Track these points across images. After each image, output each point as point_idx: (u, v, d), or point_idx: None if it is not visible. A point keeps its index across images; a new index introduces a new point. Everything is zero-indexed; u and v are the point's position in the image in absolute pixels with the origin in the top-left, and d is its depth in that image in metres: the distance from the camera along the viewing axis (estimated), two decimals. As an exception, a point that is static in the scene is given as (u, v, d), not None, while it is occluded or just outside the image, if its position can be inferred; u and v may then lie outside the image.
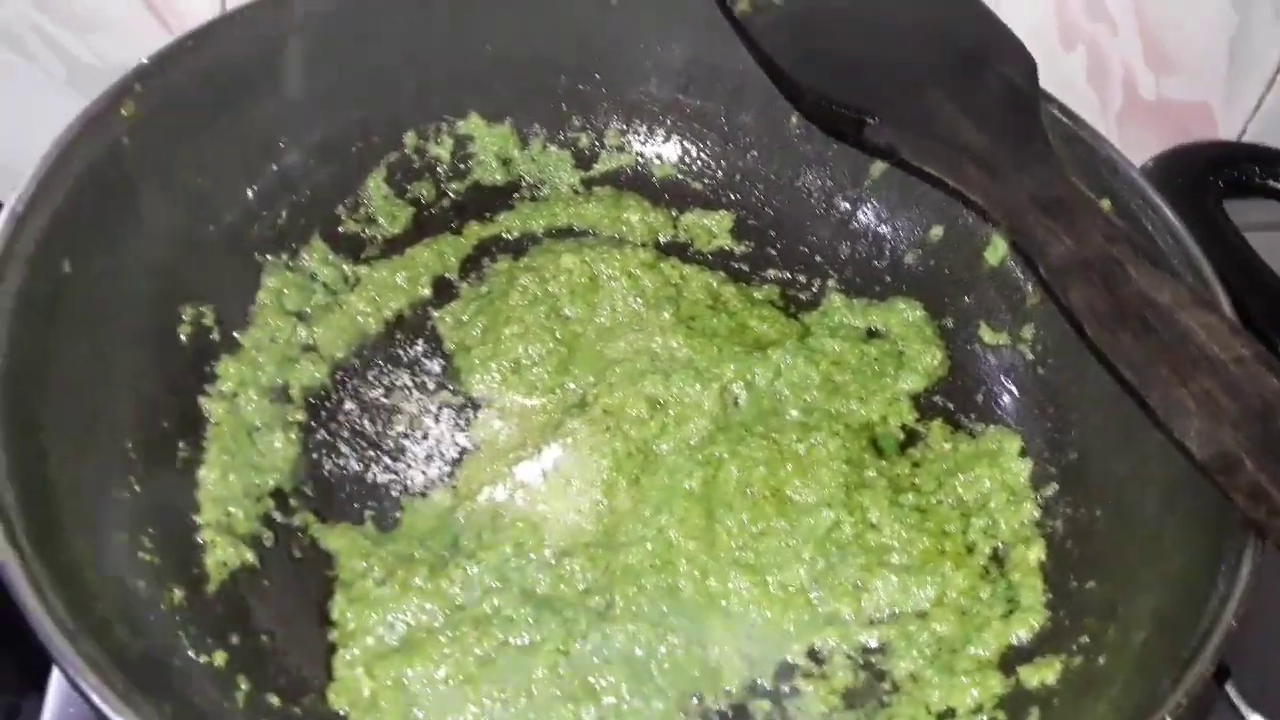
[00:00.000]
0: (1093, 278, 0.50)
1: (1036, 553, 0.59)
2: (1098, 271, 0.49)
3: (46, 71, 0.81)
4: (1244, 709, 0.58)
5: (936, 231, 0.72)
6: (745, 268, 0.74)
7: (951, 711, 0.53)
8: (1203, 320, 0.46)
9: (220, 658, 0.50)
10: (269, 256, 0.65)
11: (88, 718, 0.50)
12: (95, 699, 0.38)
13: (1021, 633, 0.55)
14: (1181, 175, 0.67)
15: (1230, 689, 0.58)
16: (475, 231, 0.72)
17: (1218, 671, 0.56)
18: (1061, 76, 0.89)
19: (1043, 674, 0.52)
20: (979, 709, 0.52)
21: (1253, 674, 0.59)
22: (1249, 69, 0.90)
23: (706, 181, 0.77)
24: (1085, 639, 0.53)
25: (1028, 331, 0.67)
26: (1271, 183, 0.66)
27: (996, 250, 0.69)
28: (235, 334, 0.62)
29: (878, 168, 0.73)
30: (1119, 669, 0.49)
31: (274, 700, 0.50)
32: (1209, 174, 0.66)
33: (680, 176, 0.77)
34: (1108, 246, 0.50)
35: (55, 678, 0.56)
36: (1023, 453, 0.63)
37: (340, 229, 0.69)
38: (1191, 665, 0.44)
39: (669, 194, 0.76)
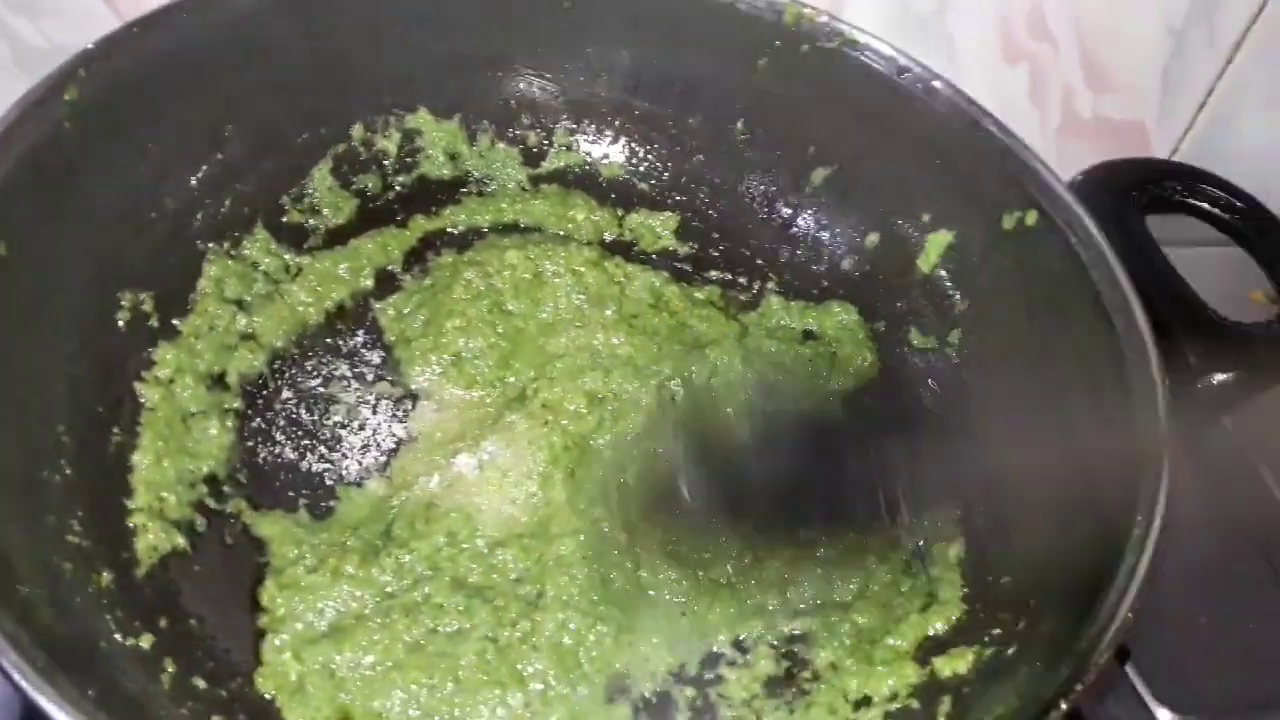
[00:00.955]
0: None
1: (956, 550, 0.61)
2: None
3: (-4, 56, 0.81)
4: (1141, 688, 0.60)
5: (873, 239, 0.74)
6: (688, 268, 0.75)
7: (868, 699, 0.55)
8: None
9: (147, 640, 0.50)
10: (211, 245, 0.65)
11: (11, 698, 0.51)
12: (15, 676, 0.39)
13: (938, 625, 0.57)
14: (1107, 190, 0.69)
15: (1130, 669, 0.61)
16: (420, 225, 0.73)
17: (1119, 653, 0.59)
18: (1004, 92, 0.92)
19: (955, 664, 0.54)
20: (894, 697, 0.54)
21: (1150, 655, 0.62)
22: (1182, 91, 0.93)
23: (653, 183, 0.78)
24: (997, 631, 0.55)
25: (954, 336, 0.69)
26: (1190, 200, 0.69)
27: (928, 258, 0.71)
28: (174, 321, 0.62)
29: (818, 175, 0.75)
30: (1027, 659, 0.51)
31: (200, 683, 0.51)
32: (1132, 189, 0.68)
33: (627, 177, 0.78)
34: None
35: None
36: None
37: (284, 219, 0.69)
38: (1091, 654, 0.46)
39: (616, 194, 0.78)
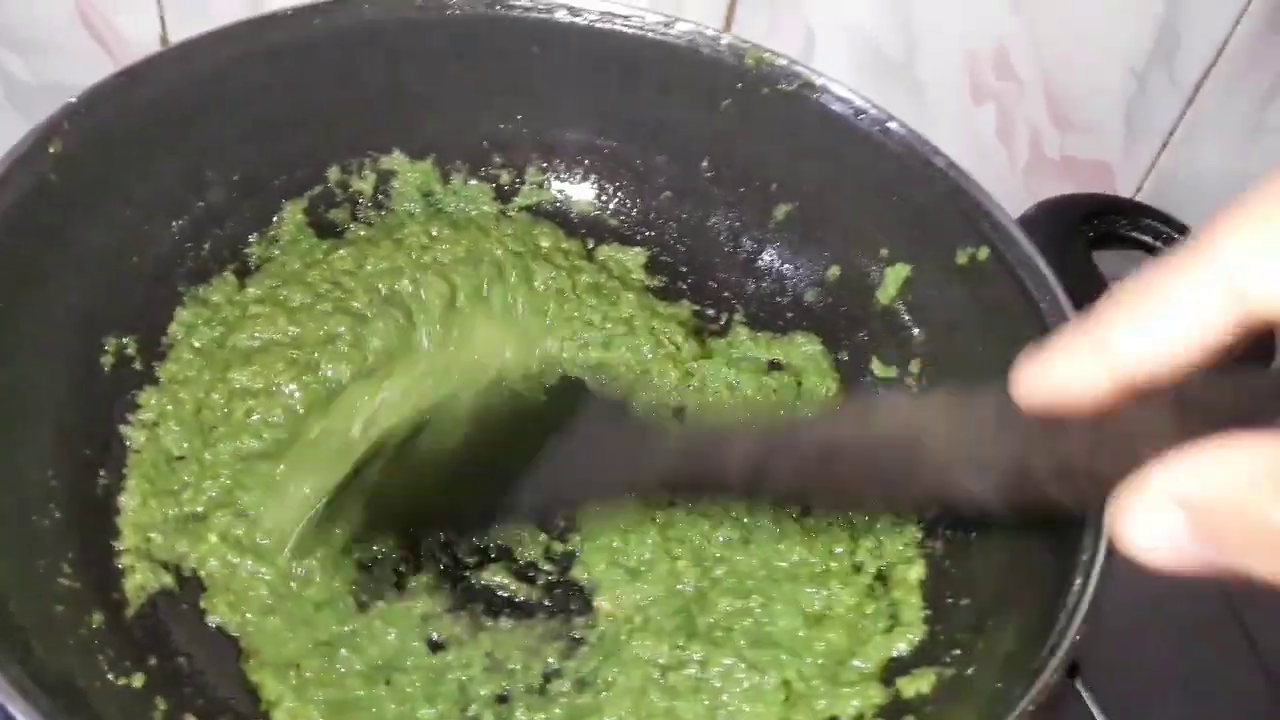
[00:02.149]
0: None
1: (917, 572, 0.63)
2: None
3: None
4: (1090, 702, 0.63)
5: (834, 271, 0.77)
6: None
7: (834, 719, 0.57)
8: None
9: (139, 679, 0.52)
10: (188, 289, 0.67)
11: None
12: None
13: (901, 646, 0.60)
14: (1057, 224, 0.72)
15: (1079, 684, 0.64)
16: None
17: (1070, 669, 0.62)
18: (972, 132, 0.95)
19: (919, 684, 0.57)
20: (859, 717, 0.57)
21: (1099, 671, 0.65)
22: (1145, 131, 0.96)
23: (622, 219, 0.81)
24: (957, 651, 0.57)
25: (914, 366, 0.72)
26: (1135, 234, 0.72)
27: (887, 291, 0.74)
28: (154, 365, 0.64)
29: (781, 210, 0.78)
30: (985, 678, 0.54)
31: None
32: (1081, 224, 0.72)
33: (597, 213, 0.81)
34: None
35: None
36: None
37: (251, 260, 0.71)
38: (1042, 672, 0.48)
39: (586, 229, 0.80)
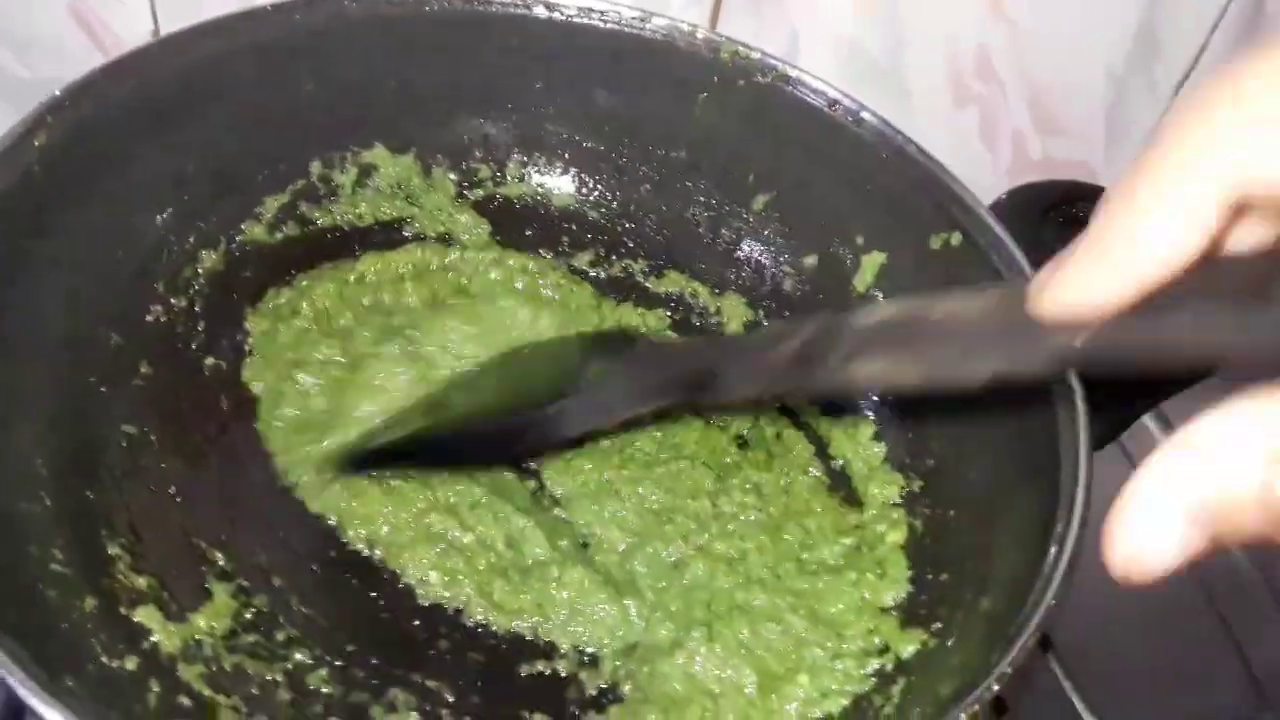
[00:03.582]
0: None
1: (896, 536, 0.65)
2: None
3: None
4: (1060, 675, 0.65)
5: (811, 260, 0.78)
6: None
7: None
8: None
9: (132, 662, 0.52)
10: (161, 284, 0.67)
11: None
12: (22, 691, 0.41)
13: (889, 597, 0.62)
14: (1028, 209, 0.74)
15: (1051, 657, 0.65)
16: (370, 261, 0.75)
17: (1043, 642, 0.63)
18: (955, 133, 0.96)
19: (909, 643, 0.59)
20: (855, 679, 0.59)
21: (1070, 645, 0.66)
22: (1124, 133, 0.97)
23: (603, 211, 0.82)
24: (938, 624, 0.59)
25: (891, 351, 0.74)
26: (1101, 218, 0.74)
27: (864, 278, 0.75)
28: (139, 358, 0.64)
29: (759, 201, 0.79)
30: (965, 646, 0.55)
31: (185, 702, 0.53)
32: (1049, 210, 0.74)
33: (578, 206, 0.82)
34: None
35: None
36: (876, 436, 0.71)
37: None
38: (1019, 638, 0.50)
39: (567, 222, 0.81)
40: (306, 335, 0.69)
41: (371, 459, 0.62)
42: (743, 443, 0.71)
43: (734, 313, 0.79)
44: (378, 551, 0.62)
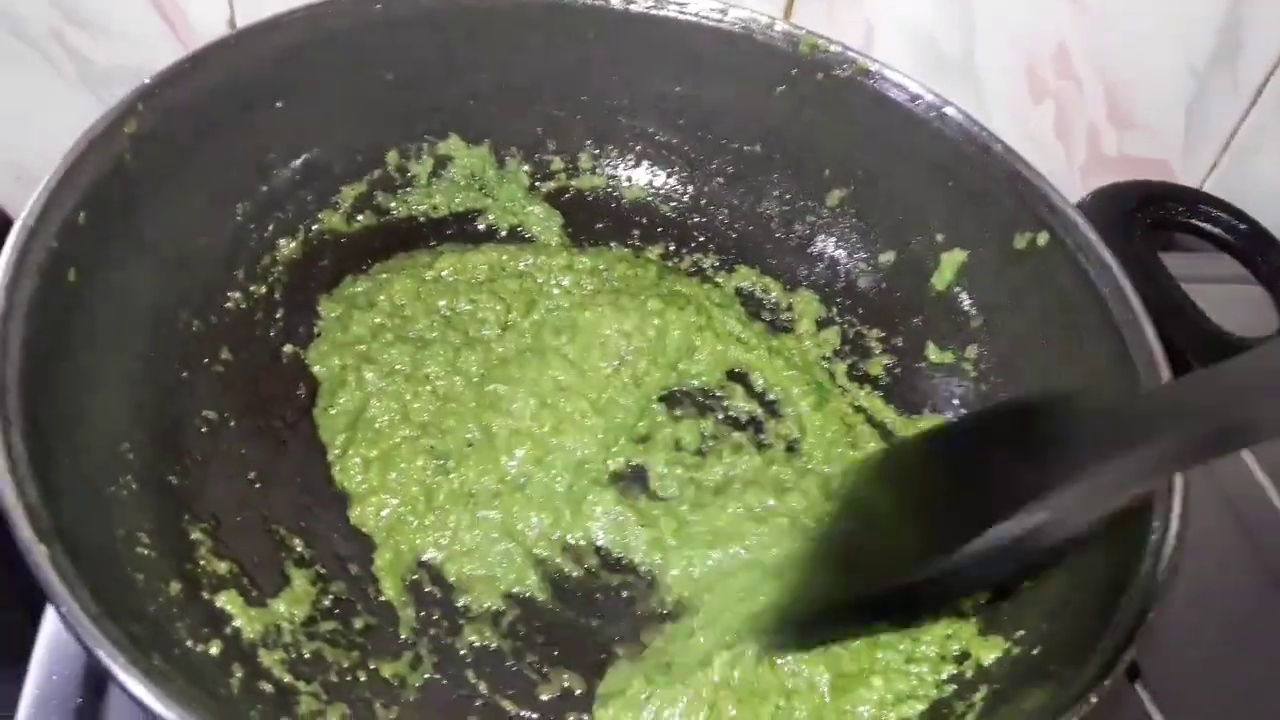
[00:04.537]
0: None
1: None
2: None
3: (58, 70, 0.84)
4: (1149, 704, 0.63)
5: (888, 257, 0.77)
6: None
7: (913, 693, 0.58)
8: None
9: (215, 647, 0.53)
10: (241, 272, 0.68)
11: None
12: (122, 676, 0.41)
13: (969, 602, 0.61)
14: (1114, 210, 0.72)
15: (1139, 687, 0.63)
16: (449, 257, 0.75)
17: (1130, 671, 0.61)
18: (1030, 129, 0.94)
19: (991, 650, 0.57)
20: (936, 684, 0.58)
21: (1159, 677, 0.65)
22: (1205, 131, 0.95)
23: (674, 205, 0.81)
24: (1022, 632, 0.58)
25: (971, 351, 0.72)
26: (1192, 220, 0.72)
27: (943, 276, 0.74)
28: (220, 345, 0.65)
29: (834, 196, 0.78)
30: (1053, 659, 0.54)
31: (267, 688, 0.53)
32: (1137, 210, 0.71)
33: (649, 199, 0.81)
34: None
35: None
36: None
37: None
38: (1116, 652, 0.48)
39: (638, 216, 0.81)
40: (381, 332, 0.69)
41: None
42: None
43: (806, 309, 0.78)
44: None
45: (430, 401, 0.66)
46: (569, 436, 0.66)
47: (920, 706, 0.57)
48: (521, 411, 0.66)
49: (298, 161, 0.71)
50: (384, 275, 0.71)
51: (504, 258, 0.74)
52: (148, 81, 0.61)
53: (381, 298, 0.70)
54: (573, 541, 0.63)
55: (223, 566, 0.57)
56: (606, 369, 0.69)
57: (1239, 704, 0.66)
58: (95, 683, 0.58)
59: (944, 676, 0.58)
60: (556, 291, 0.74)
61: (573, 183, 0.81)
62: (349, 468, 0.63)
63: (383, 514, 0.62)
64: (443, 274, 0.72)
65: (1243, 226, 0.72)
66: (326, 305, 0.70)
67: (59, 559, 0.44)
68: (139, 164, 0.60)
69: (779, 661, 0.57)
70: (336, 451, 0.64)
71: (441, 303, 0.71)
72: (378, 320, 0.69)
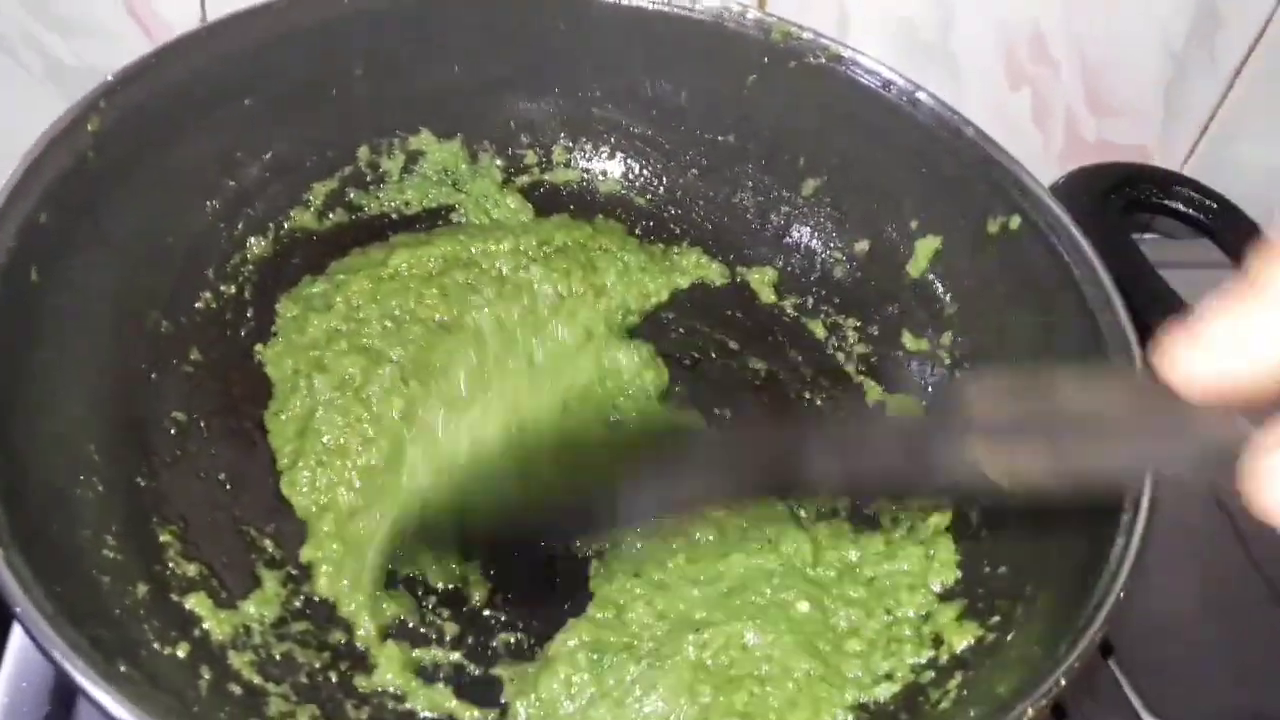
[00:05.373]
0: None
1: (938, 520, 0.64)
2: None
3: (27, 70, 0.83)
4: (1123, 681, 0.63)
5: (862, 245, 0.77)
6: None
7: (890, 674, 0.57)
8: None
9: (183, 649, 0.52)
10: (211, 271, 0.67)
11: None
12: (81, 681, 0.41)
13: (939, 583, 0.61)
14: (1087, 192, 0.72)
15: (1112, 662, 0.63)
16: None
17: (1103, 647, 0.61)
18: (1007, 116, 0.94)
19: (964, 636, 0.57)
20: (913, 669, 0.57)
21: (1131, 653, 0.65)
22: (1184, 115, 0.95)
23: (649, 197, 0.81)
24: (997, 618, 0.57)
25: (946, 338, 0.72)
26: (1165, 201, 0.72)
27: (918, 263, 0.73)
28: (189, 345, 0.65)
29: (809, 185, 0.78)
30: (1026, 640, 0.54)
31: (235, 690, 0.53)
32: (1111, 192, 0.71)
33: (624, 192, 0.81)
34: None
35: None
36: None
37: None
38: (1086, 631, 0.48)
39: (614, 207, 0.80)
40: (336, 338, 0.67)
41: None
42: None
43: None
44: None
45: (372, 424, 0.64)
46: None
47: (895, 688, 0.57)
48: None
49: (267, 158, 0.70)
50: (341, 276, 0.70)
51: (454, 248, 0.72)
52: (110, 78, 0.61)
53: (339, 299, 0.68)
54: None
55: (192, 568, 0.56)
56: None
57: (1213, 678, 0.66)
58: (64, 692, 0.57)
59: (921, 661, 0.57)
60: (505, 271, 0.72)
61: (546, 176, 0.80)
62: (297, 481, 0.61)
63: (334, 546, 0.59)
64: (399, 269, 0.71)
65: (1215, 206, 0.71)
66: (285, 305, 0.69)
67: (15, 562, 0.43)
68: (102, 162, 0.59)
69: (750, 643, 0.57)
70: (285, 461, 0.62)
71: (394, 303, 0.69)
72: (334, 324, 0.67)
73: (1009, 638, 0.56)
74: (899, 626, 0.59)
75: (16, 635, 0.59)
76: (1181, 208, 0.72)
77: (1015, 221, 0.67)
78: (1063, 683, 0.46)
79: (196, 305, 0.66)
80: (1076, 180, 0.73)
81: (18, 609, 0.41)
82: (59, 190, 0.56)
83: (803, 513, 0.64)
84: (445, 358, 0.66)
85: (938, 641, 0.58)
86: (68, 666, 0.41)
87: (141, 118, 0.61)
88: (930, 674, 0.57)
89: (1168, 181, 0.72)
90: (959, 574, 0.61)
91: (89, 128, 0.58)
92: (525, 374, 0.67)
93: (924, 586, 0.60)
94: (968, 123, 0.70)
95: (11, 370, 0.51)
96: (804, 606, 0.59)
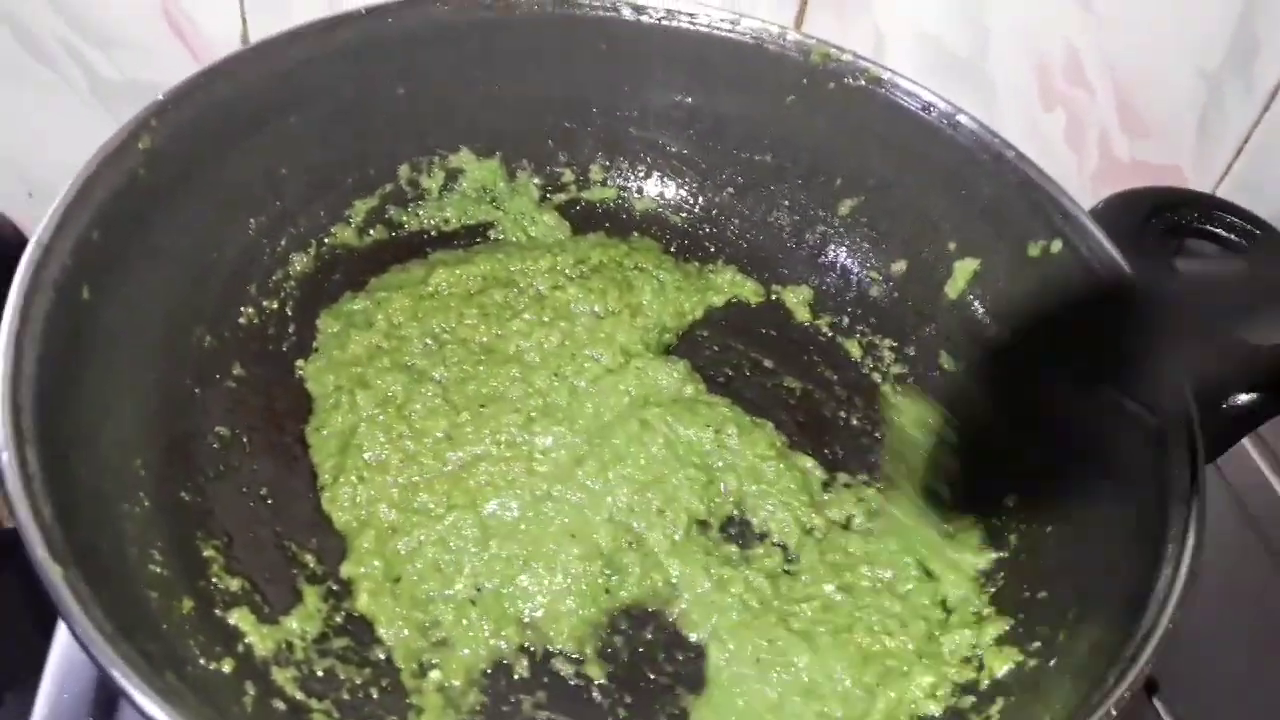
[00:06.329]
0: None
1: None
2: None
3: (71, 86, 0.84)
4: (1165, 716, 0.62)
5: (899, 266, 0.76)
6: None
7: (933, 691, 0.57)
8: None
9: (228, 665, 0.52)
10: (254, 287, 0.68)
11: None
12: (136, 696, 0.41)
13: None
14: (1127, 216, 0.72)
15: (1158, 702, 0.63)
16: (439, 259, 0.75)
17: (1148, 685, 0.61)
18: (1041, 137, 0.93)
19: (1004, 660, 0.57)
20: (953, 691, 0.57)
21: (1177, 691, 0.64)
22: (1218, 135, 0.93)
23: (684, 215, 0.81)
24: (1038, 644, 0.57)
25: (984, 360, 0.72)
26: (1206, 225, 0.71)
27: (956, 284, 0.73)
28: (233, 360, 0.65)
29: (845, 205, 0.78)
30: (1070, 669, 0.53)
31: (280, 706, 0.53)
32: (1151, 217, 0.71)
33: (659, 210, 0.81)
34: None
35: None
36: None
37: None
38: (1136, 661, 0.48)
39: (649, 225, 0.81)
40: (378, 356, 0.67)
41: None
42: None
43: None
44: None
45: (414, 440, 0.64)
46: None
47: (935, 710, 0.57)
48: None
49: (310, 175, 0.71)
50: (382, 293, 0.70)
51: (493, 267, 0.73)
52: (161, 97, 0.61)
53: (380, 317, 0.69)
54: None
55: (235, 584, 0.57)
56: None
57: (1255, 712, 0.65)
58: (106, 702, 0.58)
59: (963, 681, 0.57)
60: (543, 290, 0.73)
61: (583, 194, 0.81)
62: (338, 497, 0.62)
63: (375, 563, 0.60)
64: (439, 287, 0.71)
65: (1258, 232, 0.71)
66: (325, 320, 0.69)
67: (73, 579, 0.43)
68: (153, 179, 0.60)
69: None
70: (326, 477, 0.63)
71: (434, 322, 0.69)
72: (375, 341, 0.68)
73: (1051, 664, 0.55)
74: (946, 642, 0.59)
75: (57, 649, 0.60)
76: (1222, 232, 0.71)
77: (1057, 245, 0.67)
78: (1113, 713, 0.46)
79: (239, 321, 0.67)
80: (1115, 205, 0.73)
81: (77, 628, 0.42)
82: (111, 208, 0.57)
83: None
84: (493, 393, 0.67)
85: (980, 664, 0.58)
86: (125, 683, 0.42)
87: (191, 136, 0.62)
88: (971, 699, 0.57)
89: (1208, 205, 0.72)
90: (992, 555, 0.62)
91: (140, 146, 0.59)
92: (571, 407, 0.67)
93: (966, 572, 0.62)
94: (1009, 146, 0.70)
95: (66, 388, 0.52)
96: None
